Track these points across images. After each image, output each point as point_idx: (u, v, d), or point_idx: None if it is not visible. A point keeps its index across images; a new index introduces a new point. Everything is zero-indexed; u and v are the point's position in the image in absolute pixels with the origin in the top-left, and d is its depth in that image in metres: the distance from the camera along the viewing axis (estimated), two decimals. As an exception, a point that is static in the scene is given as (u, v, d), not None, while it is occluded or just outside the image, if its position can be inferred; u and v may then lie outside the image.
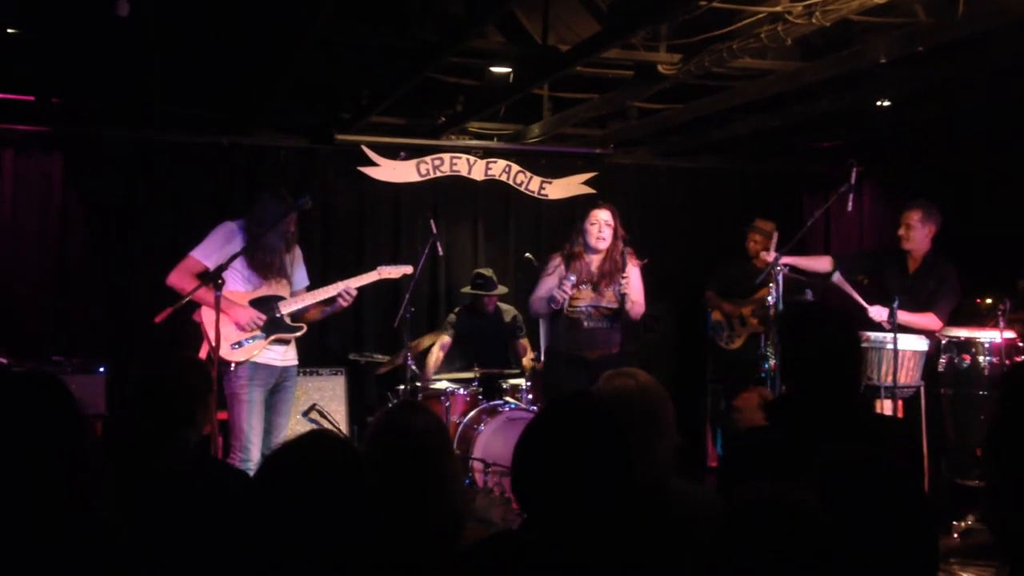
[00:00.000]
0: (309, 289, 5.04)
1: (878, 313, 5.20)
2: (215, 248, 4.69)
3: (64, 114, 6.40)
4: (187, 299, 4.48)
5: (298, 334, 4.88)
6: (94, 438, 2.06)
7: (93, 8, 4.29)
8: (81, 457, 1.92)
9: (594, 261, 5.27)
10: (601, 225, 5.22)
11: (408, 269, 5.30)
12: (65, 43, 5.19)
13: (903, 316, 5.12)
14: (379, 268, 5.13)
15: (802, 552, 1.47)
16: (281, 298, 4.84)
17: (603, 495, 1.95)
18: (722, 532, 1.53)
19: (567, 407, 2.09)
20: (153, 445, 2.63)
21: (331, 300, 4.98)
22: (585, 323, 5.21)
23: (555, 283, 5.24)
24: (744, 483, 1.61)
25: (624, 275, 5.09)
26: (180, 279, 4.63)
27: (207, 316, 4.55)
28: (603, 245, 5.22)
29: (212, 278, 4.36)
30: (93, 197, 6.61)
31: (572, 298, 5.19)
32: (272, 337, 4.77)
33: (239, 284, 4.74)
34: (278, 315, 4.80)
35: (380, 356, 6.59)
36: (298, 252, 5.01)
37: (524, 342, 6.84)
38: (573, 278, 5.15)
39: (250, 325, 4.67)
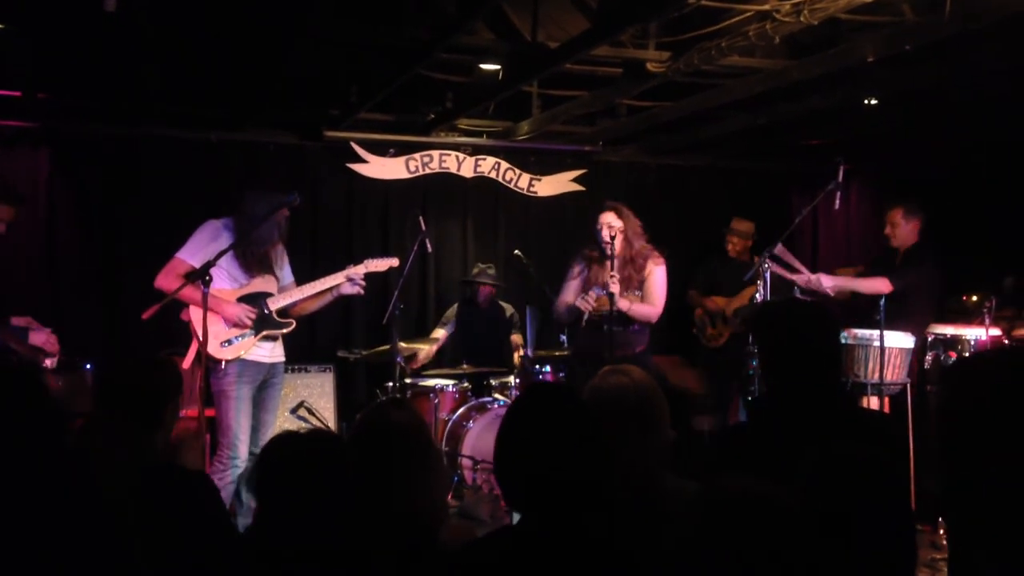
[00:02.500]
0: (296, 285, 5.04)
1: (817, 281, 5.33)
2: (200, 247, 4.67)
3: (51, 110, 6.37)
4: (173, 297, 4.47)
5: (287, 330, 4.88)
6: (67, 429, 2.04)
7: (81, 3, 4.27)
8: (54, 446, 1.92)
9: (614, 264, 5.08)
10: (605, 228, 5.08)
11: (394, 261, 5.28)
12: (53, 38, 5.17)
13: (848, 282, 5.50)
14: (366, 261, 5.13)
15: (775, 547, 1.48)
16: (269, 294, 4.84)
17: (579, 484, 1.97)
18: (697, 525, 1.54)
19: (534, 396, 2.13)
20: (119, 447, 2.59)
21: (330, 289, 4.97)
22: (605, 327, 5.05)
23: (578, 288, 5.16)
24: (721, 477, 1.62)
25: (640, 277, 5.05)
26: (167, 281, 4.61)
27: (195, 314, 4.53)
28: (613, 250, 5.04)
29: (199, 275, 4.35)
30: (81, 193, 6.58)
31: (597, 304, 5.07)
32: (261, 334, 4.76)
33: (225, 282, 4.73)
34: (266, 311, 4.79)
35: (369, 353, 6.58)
36: (282, 250, 5.00)
37: (516, 337, 6.87)
38: (598, 290, 5.03)
39: (242, 320, 4.66)
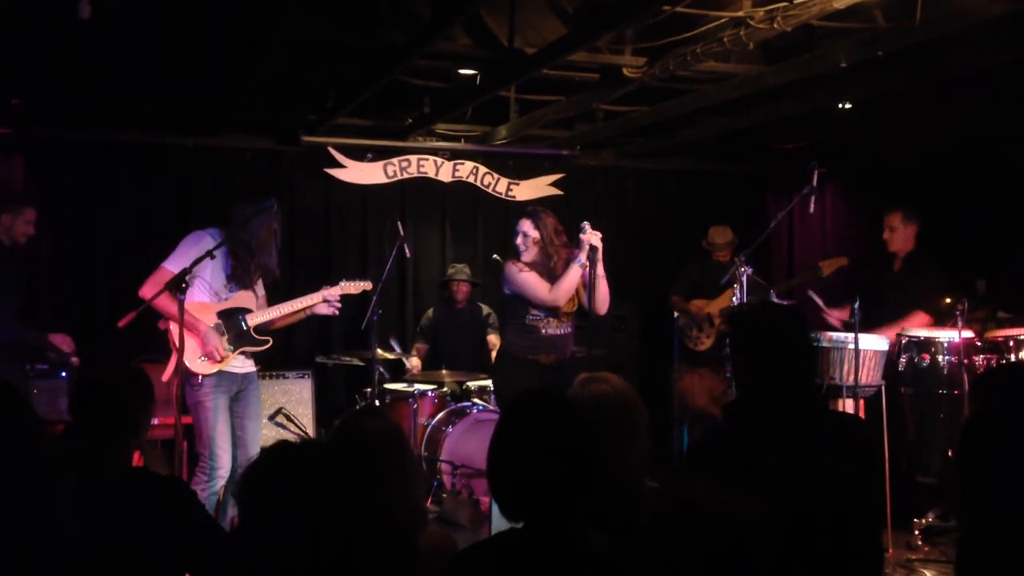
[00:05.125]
0: (268, 299, 5.00)
1: (839, 315, 5.36)
2: (187, 257, 4.59)
3: (26, 115, 6.32)
4: (149, 305, 4.43)
5: (264, 348, 4.83)
6: (44, 439, 2.04)
7: (55, 8, 4.25)
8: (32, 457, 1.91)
9: (539, 270, 5.06)
10: (520, 237, 5.10)
11: (367, 285, 5.25)
12: (26, 44, 5.13)
13: (893, 329, 5.40)
14: (342, 283, 5.10)
15: (724, 551, 1.50)
16: (248, 310, 4.79)
17: (574, 490, 1.97)
18: (654, 527, 1.56)
19: (531, 403, 2.12)
20: (91, 455, 2.58)
21: (304, 308, 4.96)
22: (543, 330, 5.07)
23: (534, 276, 5.03)
24: (681, 481, 1.64)
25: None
26: (152, 291, 4.55)
27: (174, 325, 4.49)
28: (528, 257, 5.07)
29: (176, 283, 4.31)
30: (56, 199, 6.52)
31: (560, 311, 5.04)
32: (239, 351, 4.72)
33: (205, 295, 4.67)
34: (244, 328, 4.75)
35: (347, 358, 6.57)
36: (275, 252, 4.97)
37: (493, 338, 6.89)
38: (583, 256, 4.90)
39: (213, 354, 4.63)
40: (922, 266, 5.71)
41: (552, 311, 5.05)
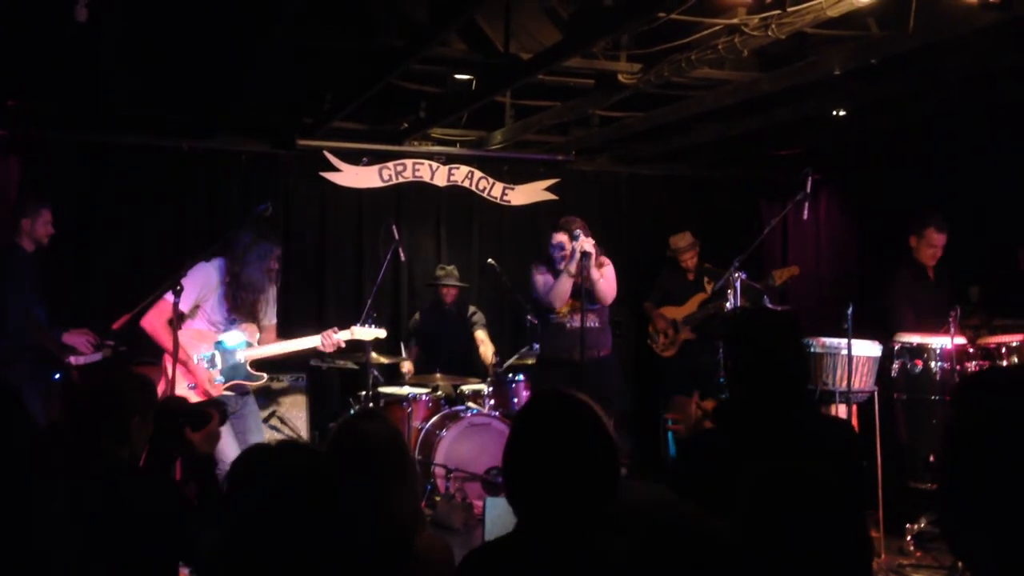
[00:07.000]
0: (277, 329, 4.98)
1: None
2: (191, 289, 4.54)
3: (21, 117, 6.32)
4: (148, 304, 4.42)
5: (257, 384, 4.80)
6: (41, 445, 2.04)
7: (51, 11, 4.26)
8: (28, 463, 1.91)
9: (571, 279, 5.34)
10: (576, 247, 5.26)
11: (382, 333, 5.26)
12: (23, 45, 5.13)
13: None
14: (352, 328, 5.09)
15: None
16: (247, 344, 4.77)
17: (599, 488, 1.97)
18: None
19: (551, 404, 2.11)
20: (79, 456, 2.56)
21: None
22: (568, 325, 5.38)
23: (550, 279, 5.41)
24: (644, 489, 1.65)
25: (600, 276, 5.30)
26: (154, 321, 4.52)
27: (167, 358, 4.47)
28: (572, 268, 5.29)
29: (171, 285, 4.31)
30: (52, 201, 6.51)
31: (557, 310, 5.43)
32: (230, 383, 4.68)
33: (204, 323, 4.66)
34: (241, 361, 4.72)
35: (341, 362, 6.57)
36: (272, 295, 4.95)
37: (480, 334, 6.89)
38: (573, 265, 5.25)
39: (200, 387, 4.61)
40: (950, 275, 5.81)
41: (572, 307, 5.36)
